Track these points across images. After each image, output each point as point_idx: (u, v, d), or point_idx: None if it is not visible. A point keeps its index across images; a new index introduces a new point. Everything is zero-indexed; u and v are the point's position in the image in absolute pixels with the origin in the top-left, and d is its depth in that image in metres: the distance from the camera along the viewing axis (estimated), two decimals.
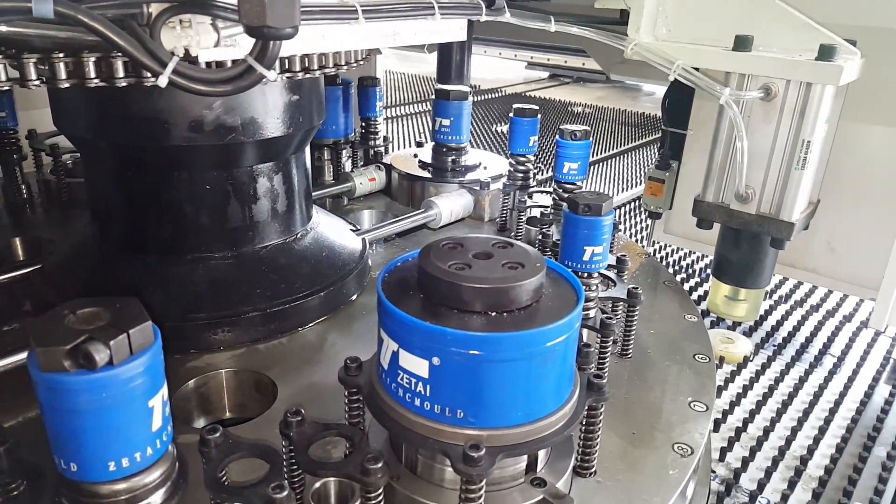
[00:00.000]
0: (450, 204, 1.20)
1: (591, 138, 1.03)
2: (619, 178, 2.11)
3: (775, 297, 1.29)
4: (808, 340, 1.14)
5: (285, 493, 0.49)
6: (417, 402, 0.54)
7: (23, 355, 0.69)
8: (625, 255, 0.90)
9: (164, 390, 0.48)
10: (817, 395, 0.99)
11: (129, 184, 0.85)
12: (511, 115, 1.17)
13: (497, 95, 3.18)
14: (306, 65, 0.76)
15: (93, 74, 0.64)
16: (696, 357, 0.84)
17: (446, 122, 1.31)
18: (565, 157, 1.03)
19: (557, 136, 1.03)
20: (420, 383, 0.54)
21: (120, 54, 0.61)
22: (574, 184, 1.05)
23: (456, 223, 1.23)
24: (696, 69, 0.93)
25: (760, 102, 0.89)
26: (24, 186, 1.27)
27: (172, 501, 0.50)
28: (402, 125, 2.58)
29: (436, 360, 0.53)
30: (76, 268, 0.92)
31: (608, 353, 0.76)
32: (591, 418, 0.62)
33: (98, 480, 0.46)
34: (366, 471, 0.51)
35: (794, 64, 0.85)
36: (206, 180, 0.84)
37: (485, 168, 1.34)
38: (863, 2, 0.96)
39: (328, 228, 1.02)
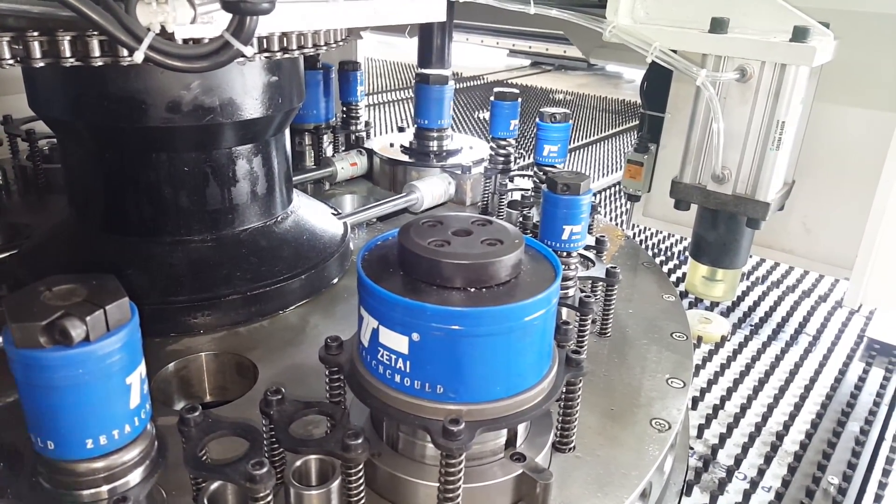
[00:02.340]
0: (431, 188, 1.21)
1: (570, 121, 1.03)
2: (599, 164, 2.11)
3: (752, 277, 1.31)
4: (785, 320, 1.16)
5: (265, 469, 0.49)
6: (397, 378, 0.55)
7: None
8: (604, 237, 0.91)
9: (142, 367, 0.48)
10: (793, 373, 1.01)
11: (107, 165, 0.84)
12: (492, 98, 1.17)
13: (479, 83, 3.18)
14: (284, 44, 0.75)
15: (68, 53, 0.63)
16: (674, 335, 0.86)
17: (430, 107, 1.31)
18: (545, 139, 1.04)
19: (538, 119, 1.03)
20: (400, 360, 0.54)
21: (95, 32, 0.60)
22: (554, 166, 1.06)
23: (438, 207, 1.23)
24: (674, 51, 0.94)
25: (736, 84, 0.90)
26: (0, 172, 1.25)
27: (151, 480, 0.50)
28: (384, 112, 2.57)
29: (415, 336, 0.53)
30: (53, 251, 0.91)
31: (587, 331, 0.77)
32: (569, 394, 0.63)
33: (75, 458, 0.46)
34: (346, 447, 0.52)
35: (769, 45, 0.86)
36: (184, 162, 0.83)
37: (470, 148, 1.35)
38: None
39: (309, 212, 1.01)
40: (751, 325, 1.14)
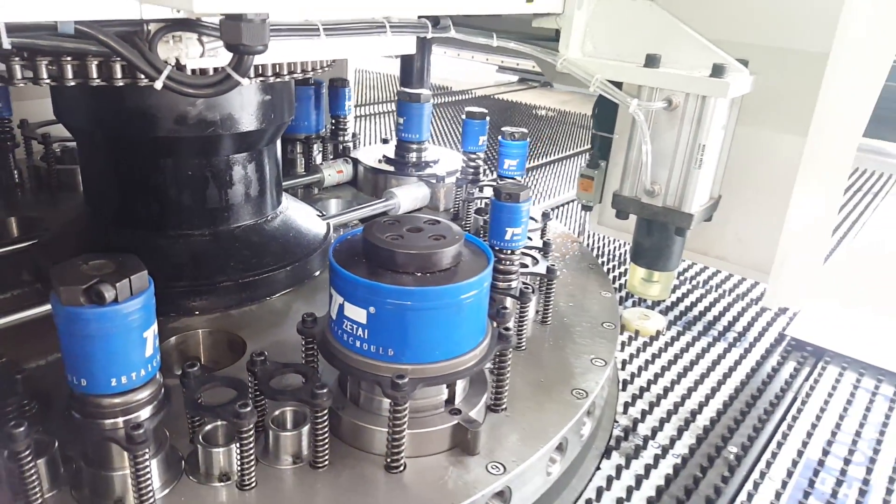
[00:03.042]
0: (408, 194, 1.34)
1: (527, 139, 1.18)
2: (576, 178, 2.26)
3: (694, 281, 1.46)
4: (717, 319, 1.30)
5: (249, 408, 0.63)
6: (358, 343, 0.69)
7: (36, 309, 0.82)
8: (549, 240, 1.05)
9: (155, 327, 0.62)
10: (714, 364, 1.15)
11: (121, 168, 0.98)
12: (464, 117, 1.32)
13: (468, 97, 3.33)
14: (277, 70, 0.89)
15: (95, 75, 0.76)
16: (604, 325, 0.99)
17: (410, 121, 1.45)
18: (506, 154, 1.18)
19: (500, 137, 1.18)
20: (360, 328, 0.68)
21: (120, 59, 0.74)
22: (514, 178, 1.20)
23: (414, 212, 1.37)
24: (616, 82, 1.08)
25: (664, 111, 1.05)
26: (16, 171, 1.38)
27: (158, 417, 0.63)
28: (375, 122, 2.70)
29: (372, 310, 0.67)
30: (70, 241, 1.04)
31: (526, 317, 0.91)
32: (501, 363, 0.77)
33: (102, 393, 0.59)
34: (314, 395, 0.65)
35: (692, 79, 1.01)
36: (188, 167, 0.97)
37: (438, 161, 1.49)
38: (759, 24, 1.12)
39: (296, 213, 1.15)
40: (685, 322, 1.28)
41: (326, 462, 0.69)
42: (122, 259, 0.60)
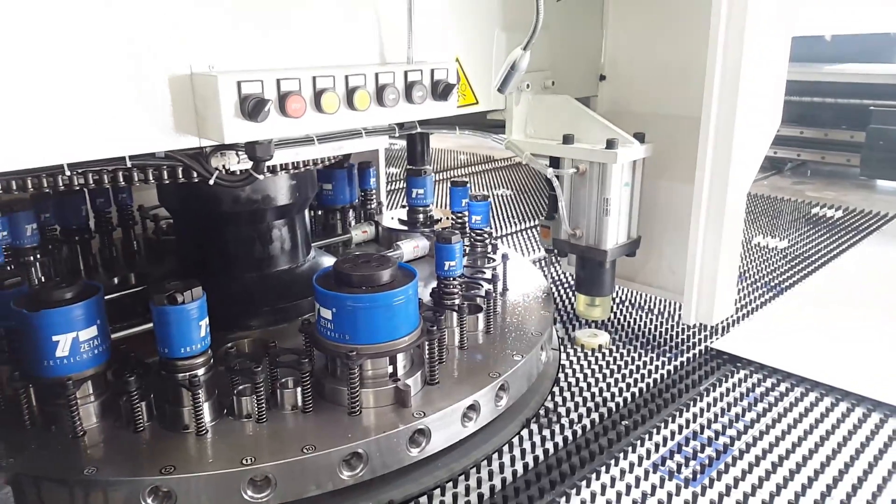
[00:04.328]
0: (411, 245, 1.76)
1: (489, 199, 1.58)
2: None
3: (646, 308, 1.76)
4: (656, 338, 1.60)
5: (260, 369, 1.04)
6: (328, 333, 1.09)
7: (145, 326, 1.28)
8: (496, 273, 1.43)
9: (206, 320, 1.05)
10: (639, 368, 1.44)
11: (199, 233, 1.46)
12: (449, 185, 1.74)
13: (505, 164, 3.77)
14: (296, 164, 1.35)
15: (180, 176, 1.24)
16: (532, 333, 1.34)
17: (417, 191, 1.89)
18: (473, 212, 1.58)
19: (469, 200, 1.59)
20: (329, 322, 1.08)
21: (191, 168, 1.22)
22: (482, 229, 1.60)
23: (417, 260, 1.78)
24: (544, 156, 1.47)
25: (578, 175, 1.42)
26: (135, 242, 1.92)
27: (209, 374, 1.05)
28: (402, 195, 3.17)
29: (334, 310, 1.07)
30: None
31: (465, 326, 1.28)
32: (430, 349, 1.14)
33: (176, 357, 1.02)
34: (300, 364, 1.06)
35: (592, 151, 1.37)
36: (241, 231, 1.43)
37: (439, 220, 1.90)
38: (654, 98, 1.49)
39: (321, 261, 1.59)
40: (626, 339, 1.59)
41: (311, 408, 1.08)
42: (187, 281, 1.05)
